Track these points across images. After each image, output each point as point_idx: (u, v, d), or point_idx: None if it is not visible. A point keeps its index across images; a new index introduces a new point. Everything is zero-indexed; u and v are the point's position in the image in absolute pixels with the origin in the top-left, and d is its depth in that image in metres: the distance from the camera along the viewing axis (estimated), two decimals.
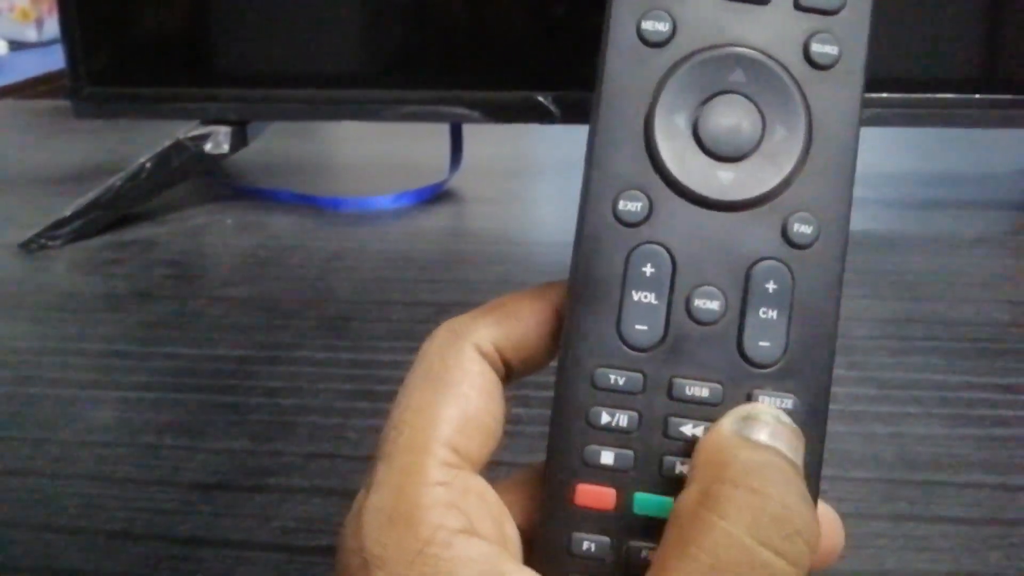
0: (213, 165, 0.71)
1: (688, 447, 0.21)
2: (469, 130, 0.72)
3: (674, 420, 0.21)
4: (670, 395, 0.21)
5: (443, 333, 0.22)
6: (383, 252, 0.63)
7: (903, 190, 0.74)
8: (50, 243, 0.64)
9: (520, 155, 0.86)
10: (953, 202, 0.71)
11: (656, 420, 0.21)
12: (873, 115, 0.64)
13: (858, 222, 0.69)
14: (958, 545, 0.35)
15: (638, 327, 0.21)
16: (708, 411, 0.21)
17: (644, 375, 0.21)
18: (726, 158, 0.21)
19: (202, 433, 0.42)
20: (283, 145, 0.86)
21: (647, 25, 0.21)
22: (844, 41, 0.21)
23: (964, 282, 0.57)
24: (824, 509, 0.22)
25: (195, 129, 0.68)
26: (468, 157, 0.74)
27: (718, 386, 0.21)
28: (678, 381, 0.21)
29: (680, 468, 0.21)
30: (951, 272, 0.58)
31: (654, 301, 0.21)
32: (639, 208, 0.21)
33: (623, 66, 0.21)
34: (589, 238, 0.21)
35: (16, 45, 1.60)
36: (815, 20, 0.21)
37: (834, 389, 0.45)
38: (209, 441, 0.41)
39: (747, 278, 0.21)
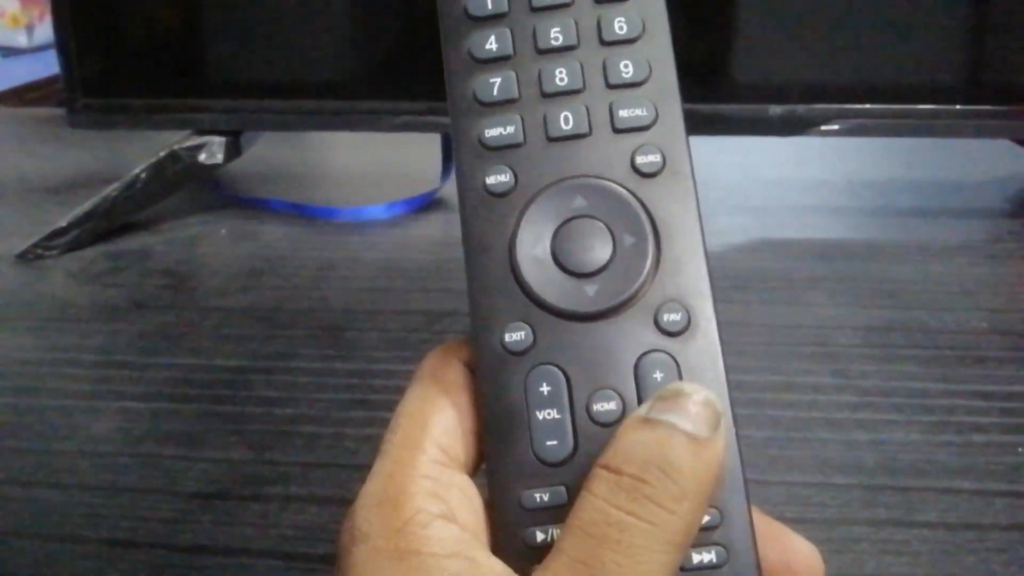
0: (207, 175, 0.72)
1: None
2: None
3: None
4: None
5: (437, 351, 0.24)
6: (376, 261, 0.64)
7: (885, 198, 0.75)
8: (46, 253, 0.65)
9: None
10: (935, 210, 0.73)
11: None
12: (856, 125, 0.65)
13: (840, 231, 0.70)
14: (936, 549, 0.36)
15: (549, 443, 0.22)
16: None
17: (567, 486, 0.22)
18: (587, 274, 0.23)
19: (201, 443, 0.43)
20: (276, 154, 0.87)
21: (491, 180, 0.23)
22: (665, 147, 0.23)
23: (945, 290, 0.58)
24: (802, 544, 0.24)
25: (189, 139, 0.69)
26: None
27: None
28: None
29: None
30: (932, 280, 0.59)
31: (557, 415, 0.22)
32: (523, 336, 0.23)
33: (480, 217, 0.23)
34: (487, 372, 0.23)
35: (6, 51, 1.60)
36: (634, 137, 0.23)
37: (816, 397, 0.47)
38: (208, 451, 0.42)
39: (636, 373, 0.22)
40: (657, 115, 0.23)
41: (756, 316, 0.54)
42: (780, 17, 0.64)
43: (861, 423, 0.44)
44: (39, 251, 0.65)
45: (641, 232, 0.23)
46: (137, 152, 0.70)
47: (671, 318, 0.22)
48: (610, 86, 0.24)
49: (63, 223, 0.66)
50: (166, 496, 0.39)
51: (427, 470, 0.22)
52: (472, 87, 0.24)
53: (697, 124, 0.71)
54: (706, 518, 0.22)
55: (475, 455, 0.24)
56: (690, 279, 0.23)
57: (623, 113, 0.23)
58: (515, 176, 0.23)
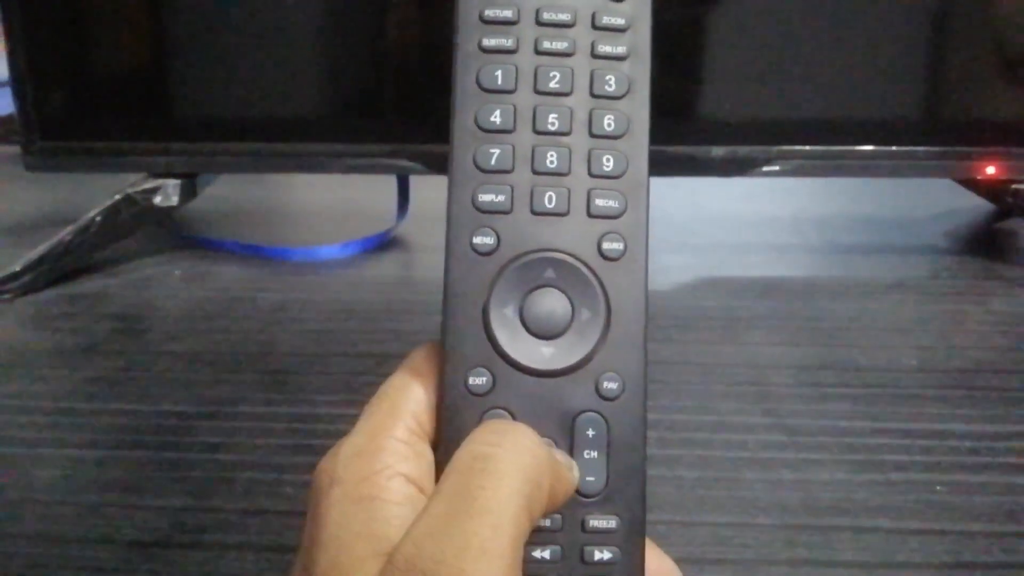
0: (162, 217, 0.73)
1: (536, 568, 0.25)
2: (417, 178, 0.75)
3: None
4: None
5: (424, 347, 0.28)
6: (327, 303, 0.65)
7: (828, 235, 0.77)
8: (0, 297, 0.66)
9: None
10: (875, 247, 0.75)
11: None
12: (796, 166, 0.67)
13: (782, 268, 0.72)
14: None
15: None
16: (550, 536, 0.25)
17: None
18: (547, 337, 0.27)
19: (143, 490, 0.44)
20: (233, 193, 0.88)
21: (477, 240, 0.27)
22: (628, 237, 0.27)
23: (879, 327, 0.60)
24: (660, 558, 0.27)
25: (144, 182, 0.70)
26: (416, 205, 0.76)
27: (557, 516, 0.26)
28: None
29: None
30: (867, 318, 0.61)
31: None
32: (484, 381, 0.26)
33: (462, 270, 0.26)
34: (448, 408, 0.26)
35: None
36: (604, 223, 0.27)
37: (746, 436, 0.48)
38: (149, 499, 0.43)
39: (572, 427, 0.26)
40: (626, 207, 0.27)
41: (694, 355, 0.56)
42: (722, 60, 0.66)
43: (787, 463, 0.45)
44: None
45: (597, 309, 0.27)
46: (94, 191, 0.71)
47: (609, 386, 0.26)
48: (591, 175, 0.27)
49: (17, 267, 0.66)
50: (106, 545, 0.40)
51: (403, 436, 0.25)
52: (473, 153, 0.27)
53: None
54: (607, 523, 0.26)
55: None
56: (630, 354, 0.27)
57: (598, 202, 0.27)
58: (498, 239, 0.27)
